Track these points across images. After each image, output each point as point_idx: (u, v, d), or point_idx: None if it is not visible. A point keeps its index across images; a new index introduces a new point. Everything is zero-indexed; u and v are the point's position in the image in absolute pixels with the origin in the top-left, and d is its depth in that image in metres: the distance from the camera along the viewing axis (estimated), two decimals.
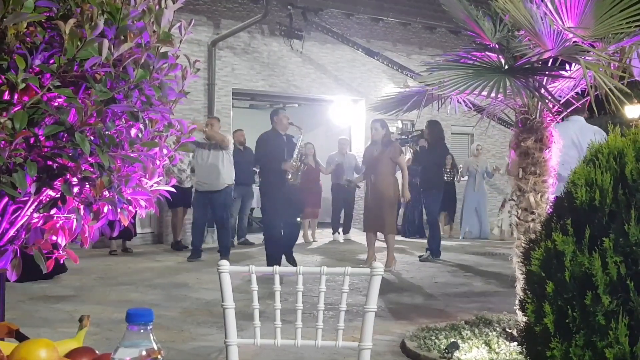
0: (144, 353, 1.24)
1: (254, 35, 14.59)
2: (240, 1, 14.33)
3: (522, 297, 3.22)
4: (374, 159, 10.02)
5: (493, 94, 4.71)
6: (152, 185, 2.04)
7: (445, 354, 5.17)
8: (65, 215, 1.87)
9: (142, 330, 1.26)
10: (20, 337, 1.66)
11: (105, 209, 1.91)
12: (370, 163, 10.16)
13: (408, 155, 14.49)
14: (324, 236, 14.62)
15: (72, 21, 1.62)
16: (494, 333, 5.65)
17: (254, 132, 15.32)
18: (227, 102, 14.33)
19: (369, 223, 10.21)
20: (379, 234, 10.37)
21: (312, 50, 15.41)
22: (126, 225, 2.03)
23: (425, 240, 11.97)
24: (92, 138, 1.75)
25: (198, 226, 11.02)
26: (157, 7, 1.89)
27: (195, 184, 10.97)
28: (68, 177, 1.78)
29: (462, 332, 5.70)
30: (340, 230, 14.59)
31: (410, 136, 13.04)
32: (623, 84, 4.56)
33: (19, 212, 1.79)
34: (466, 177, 15.29)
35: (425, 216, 11.91)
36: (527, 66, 5.01)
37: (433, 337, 5.59)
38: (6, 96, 1.61)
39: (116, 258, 11.11)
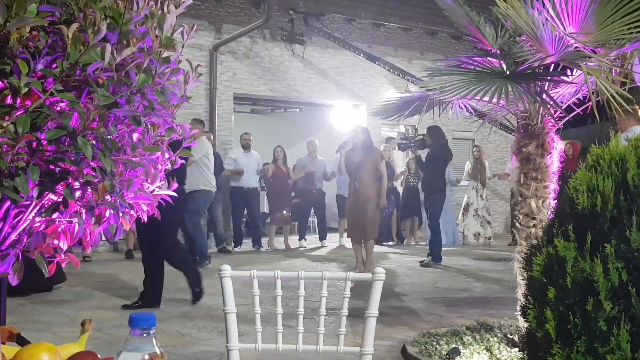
0: (146, 357, 1.24)
1: (256, 40, 14.61)
2: (242, 6, 14.35)
3: (523, 302, 3.22)
4: (356, 164, 9.92)
5: (495, 100, 4.72)
6: (153, 190, 2.04)
7: None
8: (67, 219, 1.87)
9: (144, 335, 1.26)
10: (22, 341, 1.66)
11: (107, 213, 1.91)
12: (352, 169, 10.03)
13: (408, 157, 14.48)
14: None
15: (74, 26, 1.62)
16: (495, 339, 5.64)
17: (256, 137, 15.39)
18: (229, 107, 14.34)
19: (353, 230, 10.08)
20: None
21: (313, 55, 15.43)
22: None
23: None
24: (94, 142, 1.75)
25: None
26: (159, 11, 1.89)
27: None
28: (70, 181, 1.78)
29: (463, 338, 5.69)
30: (307, 237, 14.36)
31: (412, 141, 13.04)
32: (624, 89, 4.57)
33: (21, 216, 1.79)
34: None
35: (427, 220, 11.88)
36: (528, 72, 5.01)
37: (434, 343, 5.59)
38: (9, 100, 1.61)
39: (117, 262, 11.10)
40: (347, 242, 14.07)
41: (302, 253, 12.93)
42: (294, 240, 14.19)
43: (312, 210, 14.50)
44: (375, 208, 9.92)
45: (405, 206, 14.97)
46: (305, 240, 14.11)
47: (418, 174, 14.31)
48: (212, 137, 12.47)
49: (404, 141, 13.28)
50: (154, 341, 1.27)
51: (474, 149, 15.23)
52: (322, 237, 14.27)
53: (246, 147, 13.08)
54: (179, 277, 9.64)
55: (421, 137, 12.23)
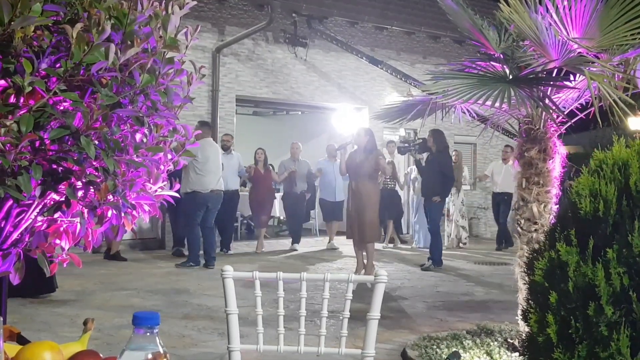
0: (150, 356, 1.24)
1: (258, 42, 14.62)
2: (245, 8, 14.36)
3: (524, 307, 3.21)
4: (357, 165, 9.90)
5: (497, 104, 4.72)
6: (156, 190, 2.04)
7: None
8: (69, 219, 1.87)
9: (148, 334, 1.26)
10: (22, 341, 1.66)
11: (110, 213, 1.91)
12: (353, 170, 10.02)
13: (409, 166, 14.44)
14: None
15: (79, 25, 1.63)
16: (496, 343, 5.63)
17: (258, 139, 15.39)
18: (231, 109, 14.34)
19: (353, 232, 10.02)
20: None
21: (316, 57, 15.43)
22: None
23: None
24: (97, 142, 1.75)
25: None
26: (163, 12, 1.89)
27: None
28: (73, 180, 1.78)
29: (464, 342, 5.69)
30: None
31: (412, 144, 13.04)
32: (627, 95, 4.57)
33: (23, 215, 1.79)
34: (409, 185, 14.81)
35: (428, 225, 11.88)
36: (531, 76, 5.02)
37: (434, 347, 5.58)
38: (12, 99, 1.61)
39: (118, 263, 11.11)
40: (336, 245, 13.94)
41: (301, 255, 12.91)
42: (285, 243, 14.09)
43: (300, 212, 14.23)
44: (375, 210, 9.89)
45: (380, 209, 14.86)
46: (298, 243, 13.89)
47: (395, 177, 14.13)
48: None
49: (404, 144, 13.27)
50: (158, 340, 1.27)
51: (453, 153, 14.75)
52: (294, 241, 13.89)
53: (225, 148, 12.47)
54: (178, 279, 9.66)
55: (421, 140, 12.23)
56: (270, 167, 13.78)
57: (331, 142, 14.77)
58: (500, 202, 14.61)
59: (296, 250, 13.54)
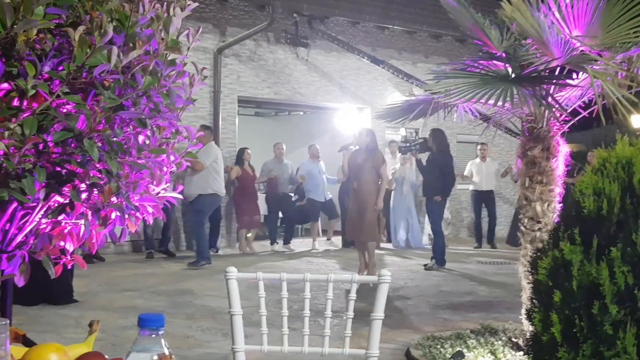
0: (155, 358, 1.24)
1: (260, 43, 14.62)
2: (246, 9, 14.36)
3: (528, 306, 3.21)
4: (358, 166, 9.91)
5: (500, 103, 4.71)
6: (159, 192, 2.05)
7: None
8: (73, 221, 1.87)
9: (153, 335, 1.26)
10: (28, 343, 1.66)
11: (113, 215, 1.91)
12: (354, 170, 10.03)
13: (408, 165, 14.38)
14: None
15: (81, 28, 1.63)
16: (500, 342, 5.63)
17: (259, 140, 15.38)
18: (233, 110, 14.34)
19: (353, 232, 10.04)
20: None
21: (317, 58, 15.43)
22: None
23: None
24: (100, 144, 1.75)
25: None
26: (165, 14, 1.90)
27: None
28: (76, 183, 1.78)
29: (468, 341, 5.68)
30: (279, 240, 13.80)
31: (413, 144, 13.04)
32: (630, 93, 4.56)
33: (28, 217, 1.79)
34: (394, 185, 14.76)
35: (429, 224, 11.85)
36: (534, 75, 5.01)
37: (438, 346, 5.58)
38: (16, 102, 1.62)
39: (121, 264, 11.11)
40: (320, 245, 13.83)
41: (301, 255, 12.89)
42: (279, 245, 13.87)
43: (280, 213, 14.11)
44: (374, 210, 9.89)
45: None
46: (277, 243, 13.65)
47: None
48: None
49: (405, 144, 13.28)
50: (163, 342, 1.27)
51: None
52: (285, 242, 13.81)
53: None
54: (182, 279, 9.67)
55: (422, 140, 12.22)
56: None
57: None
58: (488, 200, 14.82)
59: (289, 250, 13.48)
